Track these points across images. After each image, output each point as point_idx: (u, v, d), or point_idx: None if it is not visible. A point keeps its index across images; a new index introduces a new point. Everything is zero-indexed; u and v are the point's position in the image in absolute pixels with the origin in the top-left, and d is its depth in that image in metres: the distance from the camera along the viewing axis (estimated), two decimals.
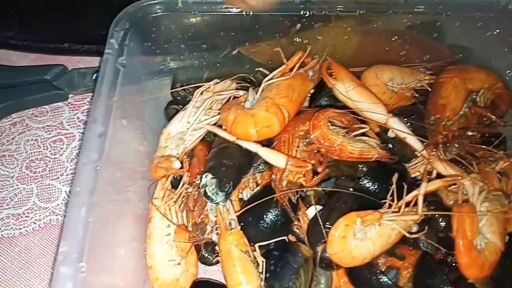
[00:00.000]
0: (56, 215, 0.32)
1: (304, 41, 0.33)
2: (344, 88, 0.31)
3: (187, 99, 0.33)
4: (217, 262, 0.29)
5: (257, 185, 0.30)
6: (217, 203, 0.27)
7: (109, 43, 0.28)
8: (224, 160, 0.28)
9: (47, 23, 0.40)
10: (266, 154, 0.27)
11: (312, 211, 0.26)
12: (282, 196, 0.26)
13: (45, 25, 0.40)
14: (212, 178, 0.27)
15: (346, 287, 0.27)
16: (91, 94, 0.37)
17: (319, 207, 0.27)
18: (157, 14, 0.30)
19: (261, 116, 0.28)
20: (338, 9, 0.31)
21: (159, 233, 0.27)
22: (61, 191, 0.33)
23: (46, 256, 0.30)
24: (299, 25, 0.32)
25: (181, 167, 0.28)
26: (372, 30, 0.33)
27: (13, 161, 0.34)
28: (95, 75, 0.38)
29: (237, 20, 0.31)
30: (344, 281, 0.27)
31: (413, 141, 0.29)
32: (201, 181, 0.27)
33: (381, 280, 0.25)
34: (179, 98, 0.34)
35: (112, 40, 0.28)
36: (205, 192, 0.27)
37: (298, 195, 0.27)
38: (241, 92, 0.31)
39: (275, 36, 0.33)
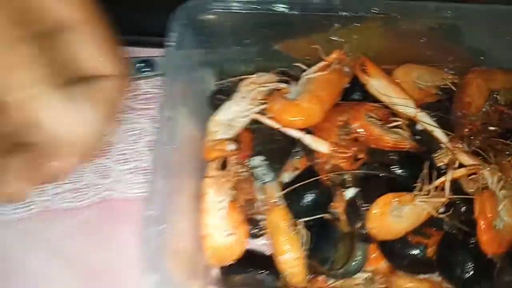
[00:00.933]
0: (110, 191, 0.36)
1: (340, 40, 0.36)
2: (377, 84, 0.34)
3: (231, 90, 0.36)
4: (259, 236, 0.33)
5: (295, 169, 0.34)
6: (266, 183, 0.31)
7: (170, 36, 0.31)
8: (271, 145, 0.32)
9: None
10: (310, 140, 0.31)
11: (351, 192, 0.30)
12: (326, 178, 0.30)
13: None
14: (262, 160, 0.31)
15: (377, 260, 0.31)
16: (137, 82, 0.41)
17: (357, 189, 0.31)
18: (210, 11, 0.33)
19: (304, 107, 0.32)
20: (372, 11, 0.35)
21: (213, 207, 0.31)
22: (113, 169, 0.37)
23: (105, 226, 0.34)
24: (336, 25, 0.36)
25: (235, 149, 0.31)
26: (401, 31, 0.37)
27: None
28: (137, 64, 0.41)
29: (279, 18, 0.35)
30: (375, 256, 0.31)
31: (439, 134, 0.33)
32: (252, 162, 0.31)
33: (412, 252, 0.29)
34: (223, 88, 0.37)
35: (173, 33, 0.31)
36: (256, 173, 0.31)
37: (341, 178, 0.31)
38: (282, 85, 0.35)
39: (312, 34, 0.37)
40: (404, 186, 0.30)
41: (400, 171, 0.31)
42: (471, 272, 0.29)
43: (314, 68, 0.35)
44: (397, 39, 0.37)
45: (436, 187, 0.30)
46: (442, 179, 0.30)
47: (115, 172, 0.36)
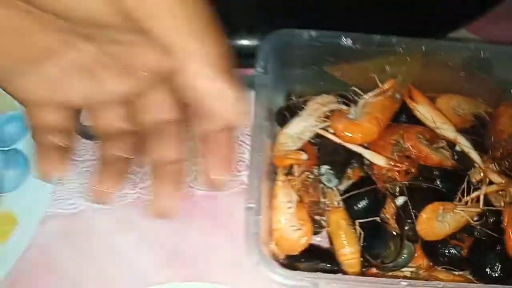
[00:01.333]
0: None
1: (391, 69, 0.43)
2: (423, 110, 0.41)
3: (296, 108, 0.43)
4: (318, 233, 0.39)
5: (349, 178, 0.40)
6: (330, 188, 0.37)
7: (258, 63, 0.38)
8: (334, 156, 0.39)
9: None
10: (370, 155, 0.37)
11: (401, 200, 0.37)
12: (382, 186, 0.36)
13: None
14: (328, 169, 0.37)
15: (420, 258, 0.37)
16: None
17: (405, 198, 0.37)
18: (290, 41, 0.40)
19: (365, 126, 0.38)
20: (423, 47, 0.41)
21: (283, 206, 0.37)
22: None
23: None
24: (391, 57, 0.42)
25: (306, 159, 0.38)
26: (441, 64, 0.43)
27: None
28: None
29: (342, 48, 0.41)
30: (419, 254, 0.37)
31: (474, 156, 0.39)
32: (319, 170, 0.37)
33: (451, 252, 0.35)
34: (290, 106, 0.44)
35: (261, 61, 0.38)
36: (322, 179, 0.37)
37: (394, 188, 0.37)
38: (343, 106, 0.42)
39: (366, 63, 0.44)
40: (444, 197, 0.37)
41: (442, 184, 0.37)
42: (498, 272, 0.35)
43: (372, 93, 0.41)
44: (438, 71, 0.44)
45: (472, 200, 0.36)
46: (477, 193, 0.36)
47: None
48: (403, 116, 0.43)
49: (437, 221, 0.34)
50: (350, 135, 0.38)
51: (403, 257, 0.36)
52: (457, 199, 0.36)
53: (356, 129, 0.38)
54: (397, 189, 0.38)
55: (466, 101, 0.43)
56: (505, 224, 0.36)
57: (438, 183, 0.38)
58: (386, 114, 0.40)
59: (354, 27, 0.40)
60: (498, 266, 0.35)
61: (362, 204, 0.37)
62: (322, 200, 0.38)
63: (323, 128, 0.40)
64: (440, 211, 0.34)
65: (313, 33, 0.40)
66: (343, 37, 0.40)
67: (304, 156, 0.37)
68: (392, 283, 0.32)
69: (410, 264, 0.37)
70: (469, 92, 0.44)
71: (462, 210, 0.35)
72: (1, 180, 0.40)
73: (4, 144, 0.41)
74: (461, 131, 0.41)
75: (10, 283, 0.38)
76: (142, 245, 0.40)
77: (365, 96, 0.41)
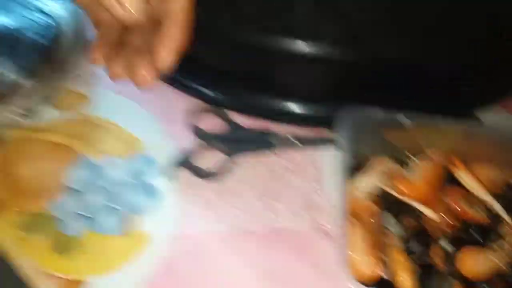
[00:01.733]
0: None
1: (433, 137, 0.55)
2: (464, 176, 0.53)
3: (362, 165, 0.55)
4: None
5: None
6: (394, 232, 0.50)
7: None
8: (397, 208, 0.51)
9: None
10: (427, 211, 0.49)
11: (445, 244, 0.49)
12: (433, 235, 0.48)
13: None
14: (392, 216, 0.50)
15: None
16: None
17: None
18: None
19: (419, 186, 0.51)
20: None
21: (359, 242, 0.49)
22: None
23: None
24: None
25: (375, 209, 0.50)
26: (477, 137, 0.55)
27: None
28: None
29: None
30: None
31: (505, 215, 0.51)
32: (386, 217, 0.50)
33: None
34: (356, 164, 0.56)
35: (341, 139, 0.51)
36: (387, 226, 0.50)
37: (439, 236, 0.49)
38: (401, 168, 0.54)
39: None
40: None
41: (478, 235, 0.49)
42: None
43: (422, 158, 0.53)
44: (475, 143, 0.56)
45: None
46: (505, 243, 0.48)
47: None
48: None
49: (474, 261, 0.46)
50: (409, 192, 0.50)
51: None
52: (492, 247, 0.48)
53: (412, 188, 0.51)
54: (444, 237, 0.49)
55: (497, 170, 0.55)
56: None
57: (475, 235, 0.49)
58: (437, 177, 0.52)
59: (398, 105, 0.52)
60: None
61: (417, 246, 0.49)
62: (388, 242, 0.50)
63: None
64: (477, 254, 0.46)
65: (381, 114, 0.52)
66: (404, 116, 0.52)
67: (373, 206, 0.50)
68: None
69: None
70: (501, 161, 0.56)
71: (493, 256, 0.46)
72: (139, 204, 0.50)
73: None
74: (493, 195, 0.53)
75: None
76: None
77: (416, 160, 0.53)
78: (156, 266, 0.46)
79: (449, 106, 0.58)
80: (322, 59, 0.54)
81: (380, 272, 0.49)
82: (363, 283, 0.48)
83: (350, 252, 0.48)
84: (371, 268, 0.48)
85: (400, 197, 0.50)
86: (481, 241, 0.49)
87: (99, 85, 0.58)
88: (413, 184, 0.51)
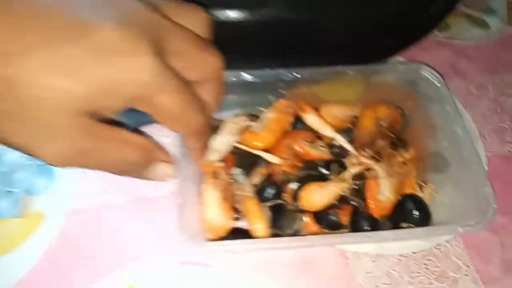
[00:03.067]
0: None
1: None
2: (310, 118, 0.56)
3: (217, 127, 0.58)
4: (240, 219, 0.54)
5: (262, 174, 0.55)
6: (242, 184, 0.52)
7: None
8: (244, 160, 0.54)
9: None
10: (269, 157, 0.52)
11: (294, 185, 0.52)
12: (278, 178, 0.51)
13: None
14: (239, 170, 0.53)
15: (313, 226, 0.52)
16: None
17: (298, 184, 0.52)
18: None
19: (262, 136, 0.53)
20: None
21: (210, 201, 0.52)
22: None
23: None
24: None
25: (221, 166, 0.53)
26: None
27: None
28: None
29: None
30: (311, 223, 0.52)
31: (347, 147, 0.54)
32: (233, 171, 0.52)
33: (330, 217, 0.50)
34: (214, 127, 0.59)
35: None
36: (235, 178, 0.52)
37: (287, 177, 0.52)
38: (251, 123, 0.57)
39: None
40: (326, 180, 0.52)
41: (324, 170, 0.53)
42: (367, 226, 0.50)
43: (270, 109, 0.56)
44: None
45: (344, 178, 0.51)
46: (346, 172, 0.51)
47: None
48: (300, 124, 0.58)
49: (314, 196, 0.49)
50: (253, 143, 0.53)
51: (298, 225, 0.51)
52: (332, 178, 0.51)
53: (257, 138, 0.53)
54: (291, 178, 0.53)
55: (345, 107, 0.59)
56: (367, 193, 0.51)
57: (321, 169, 0.53)
58: (281, 125, 0.55)
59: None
60: (366, 224, 0.50)
61: (269, 192, 0.52)
62: (240, 193, 0.53)
63: (238, 142, 0.55)
64: (315, 189, 0.49)
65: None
66: (242, 73, 0.55)
67: (218, 163, 0.52)
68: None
69: (306, 232, 0.52)
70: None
71: (334, 187, 0.50)
72: (34, 185, 0.52)
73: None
74: (342, 130, 0.56)
75: (43, 266, 0.48)
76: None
77: (265, 112, 0.56)
78: (52, 242, 0.49)
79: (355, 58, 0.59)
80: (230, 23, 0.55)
81: (235, 223, 0.52)
82: (220, 238, 0.51)
83: (205, 211, 0.51)
84: (224, 221, 0.51)
85: (247, 149, 0.53)
86: (326, 175, 0.52)
87: None
88: (257, 135, 0.53)
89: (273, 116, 0.56)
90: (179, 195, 0.47)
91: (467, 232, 0.48)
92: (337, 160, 0.54)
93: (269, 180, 0.53)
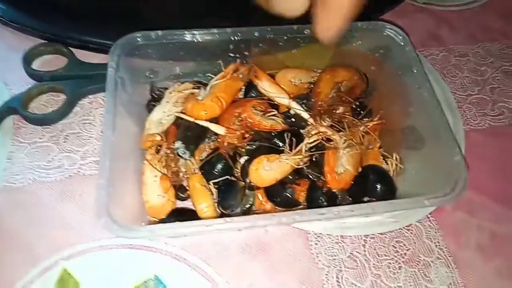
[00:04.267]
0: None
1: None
2: (264, 85, 0.51)
3: (161, 97, 0.52)
4: (186, 198, 0.48)
5: (210, 148, 0.50)
6: (186, 159, 0.47)
7: (109, 63, 0.46)
8: (188, 132, 0.48)
9: None
10: (213, 127, 0.47)
11: (243, 160, 0.47)
12: (225, 151, 0.46)
13: None
14: (181, 143, 0.47)
15: (264, 200, 0.47)
16: None
17: (247, 157, 0.47)
18: (139, 43, 0.49)
19: (207, 104, 0.48)
20: None
21: (150, 180, 0.46)
22: None
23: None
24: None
25: (161, 139, 0.47)
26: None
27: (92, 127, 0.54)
28: None
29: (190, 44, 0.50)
30: (264, 199, 0.47)
31: (304, 115, 0.49)
32: (175, 145, 0.47)
33: (284, 193, 0.45)
34: (155, 97, 0.53)
35: (111, 62, 0.47)
36: (178, 153, 0.47)
37: (233, 150, 0.47)
38: (195, 90, 0.51)
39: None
40: (279, 152, 0.47)
41: (277, 141, 0.47)
42: (325, 202, 0.46)
43: (218, 76, 0.51)
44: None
45: (300, 151, 0.46)
46: (302, 144, 0.46)
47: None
48: (253, 92, 0.53)
49: (264, 170, 0.44)
50: (196, 113, 0.47)
51: (248, 204, 0.46)
52: (286, 151, 0.46)
53: (201, 107, 0.48)
54: (240, 151, 0.47)
55: (302, 73, 0.54)
56: (325, 164, 0.46)
57: (275, 141, 0.47)
58: (230, 92, 0.50)
59: None
60: (324, 198, 0.46)
61: (216, 168, 0.47)
62: (183, 169, 0.48)
63: (181, 112, 0.49)
64: (265, 162, 0.44)
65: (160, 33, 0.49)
66: (186, 33, 0.49)
67: (158, 137, 0.47)
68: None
69: (257, 210, 0.47)
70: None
71: (286, 159, 0.45)
72: None
73: None
74: (298, 97, 0.51)
75: None
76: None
77: (213, 79, 0.50)
78: None
79: None
80: None
81: (178, 203, 0.47)
82: (160, 219, 0.46)
83: (144, 190, 0.46)
84: (165, 201, 0.45)
85: (190, 119, 0.48)
86: (280, 148, 0.47)
87: None
88: (202, 104, 0.48)
89: (221, 83, 0.50)
90: (101, 175, 0.41)
91: (434, 204, 0.43)
92: (292, 130, 0.48)
93: (217, 155, 0.47)
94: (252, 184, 0.46)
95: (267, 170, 0.45)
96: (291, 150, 0.46)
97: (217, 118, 0.49)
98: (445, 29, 0.70)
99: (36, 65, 0.57)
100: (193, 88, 0.52)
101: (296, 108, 0.50)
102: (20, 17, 0.59)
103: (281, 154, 0.46)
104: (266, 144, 0.47)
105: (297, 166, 0.46)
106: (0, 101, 0.53)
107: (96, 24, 0.59)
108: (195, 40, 0.50)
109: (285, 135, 0.48)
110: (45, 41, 0.58)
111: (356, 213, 0.41)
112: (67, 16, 0.60)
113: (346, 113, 0.51)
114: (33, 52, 0.57)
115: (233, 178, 0.47)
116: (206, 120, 0.48)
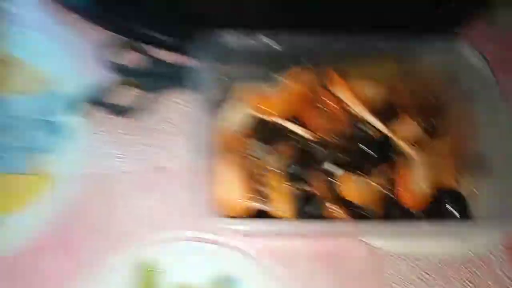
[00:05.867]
0: None
1: None
2: (340, 91, 0.51)
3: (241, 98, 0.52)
4: (268, 201, 0.47)
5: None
6: (264, 159, 0.47)
7: (192, 63, 0.47)
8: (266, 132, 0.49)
9: None
10: (293, 127, 0.49)
11: (329, 167, 0.48)
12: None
13: None
14: (259, 142, 0.48)
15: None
16: None
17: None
18: (220, 45, 0.50)
19: (281, 102, 0.49)
20: None
21: (233, 178, 0.46)
22: None
23: None
24: None
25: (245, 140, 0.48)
26: None
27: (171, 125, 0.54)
28: None
29: None
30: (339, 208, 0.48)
31: (384, 129, 0.50)
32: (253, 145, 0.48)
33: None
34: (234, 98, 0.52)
35: (194, 62, 0.48)
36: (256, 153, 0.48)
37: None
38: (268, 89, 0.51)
39: None
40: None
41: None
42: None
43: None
44: None
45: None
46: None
47: None
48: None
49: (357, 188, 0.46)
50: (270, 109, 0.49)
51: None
52: None
53: (276, 104, 0.49)
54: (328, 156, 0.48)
55: (376, 87, 0.54)
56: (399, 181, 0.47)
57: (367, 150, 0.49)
58: (301, 93, 0.50)
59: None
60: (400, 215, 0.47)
61: (295, 171, 0.47)
62: (264, 172, 0.48)
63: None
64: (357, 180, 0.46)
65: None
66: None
67: (238, 135, 0.47)
68: None
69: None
70: None
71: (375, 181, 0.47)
72: (44, 143, 0.49)
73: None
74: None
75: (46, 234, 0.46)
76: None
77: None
78: (61, 206, 0.47)
79: None
80: None
81: (256, 203, 0.47)
82: (240, 217, 0.46)
83: (223, 188, 0.46)
84: (241, 198, 0.46)
85: (264, 117, 0.49)
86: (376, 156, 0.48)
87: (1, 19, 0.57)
88: (274, 101, 0.49)
89: (293, 83, 0.50)
90: (192, 168, 0.42)
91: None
92: (382, 141, 0.49)
93: (299, 157, 0.48)
94: (338, 196, 0.46)
95: (359, 189, 0.46)
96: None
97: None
98: None
99: (115, 59, 0.56)
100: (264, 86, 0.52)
101: (374, 122, 0.51)
102: (100, 11, 0.59)
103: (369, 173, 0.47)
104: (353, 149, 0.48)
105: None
106: (83, 92, 0.53)
107: (173, 23, 0.59)
108: (272, 45, 0.51)
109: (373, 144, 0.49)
110: (123, 37, 0.58)
111: (432, 231, 0.42)
112: (146, 14, 0.59)
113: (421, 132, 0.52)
114: (112, 47, 0.56)
115: (312, 187, 0.47)
116: (284, 119, 0.49)
